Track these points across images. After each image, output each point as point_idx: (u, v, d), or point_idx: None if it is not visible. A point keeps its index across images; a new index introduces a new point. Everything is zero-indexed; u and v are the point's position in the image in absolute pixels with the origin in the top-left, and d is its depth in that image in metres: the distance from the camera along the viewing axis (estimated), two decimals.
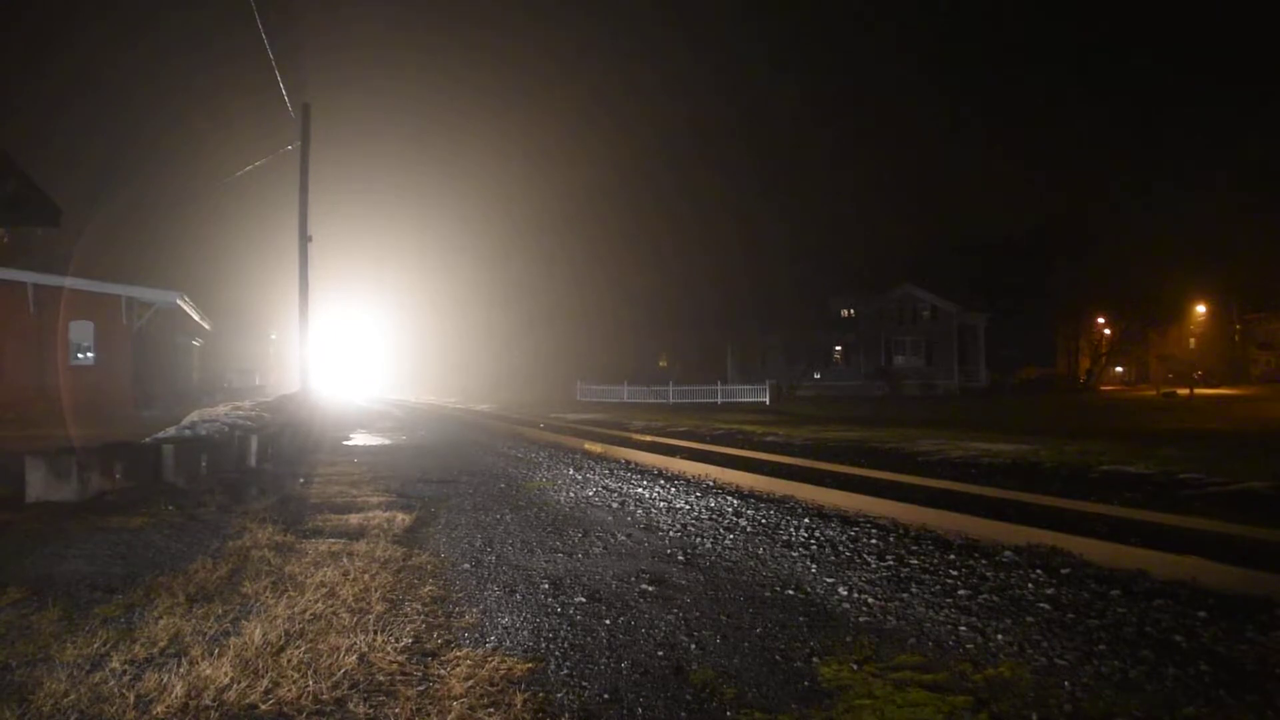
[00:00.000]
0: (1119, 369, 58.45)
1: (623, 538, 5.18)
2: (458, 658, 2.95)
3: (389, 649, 3.02)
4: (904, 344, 47.95)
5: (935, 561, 4.38)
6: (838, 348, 49.25)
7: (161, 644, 3.04)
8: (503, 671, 2.81)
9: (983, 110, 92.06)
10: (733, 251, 47.82)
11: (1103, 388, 49.48)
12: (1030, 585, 3.86)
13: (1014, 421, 17.85)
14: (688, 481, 7.86)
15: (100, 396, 17.58)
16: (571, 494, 7.14)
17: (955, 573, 4.13)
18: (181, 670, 2.76)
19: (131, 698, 2.54)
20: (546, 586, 3.98)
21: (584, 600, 3.73)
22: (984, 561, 4.35)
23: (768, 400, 35.57)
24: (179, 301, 19.44)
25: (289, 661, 2.85)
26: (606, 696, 2.62)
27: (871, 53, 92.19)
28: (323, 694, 2.60)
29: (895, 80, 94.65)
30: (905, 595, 3.74)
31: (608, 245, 51.96)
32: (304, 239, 15.65)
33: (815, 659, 2.94)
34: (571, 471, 8.82)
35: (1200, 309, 60.00)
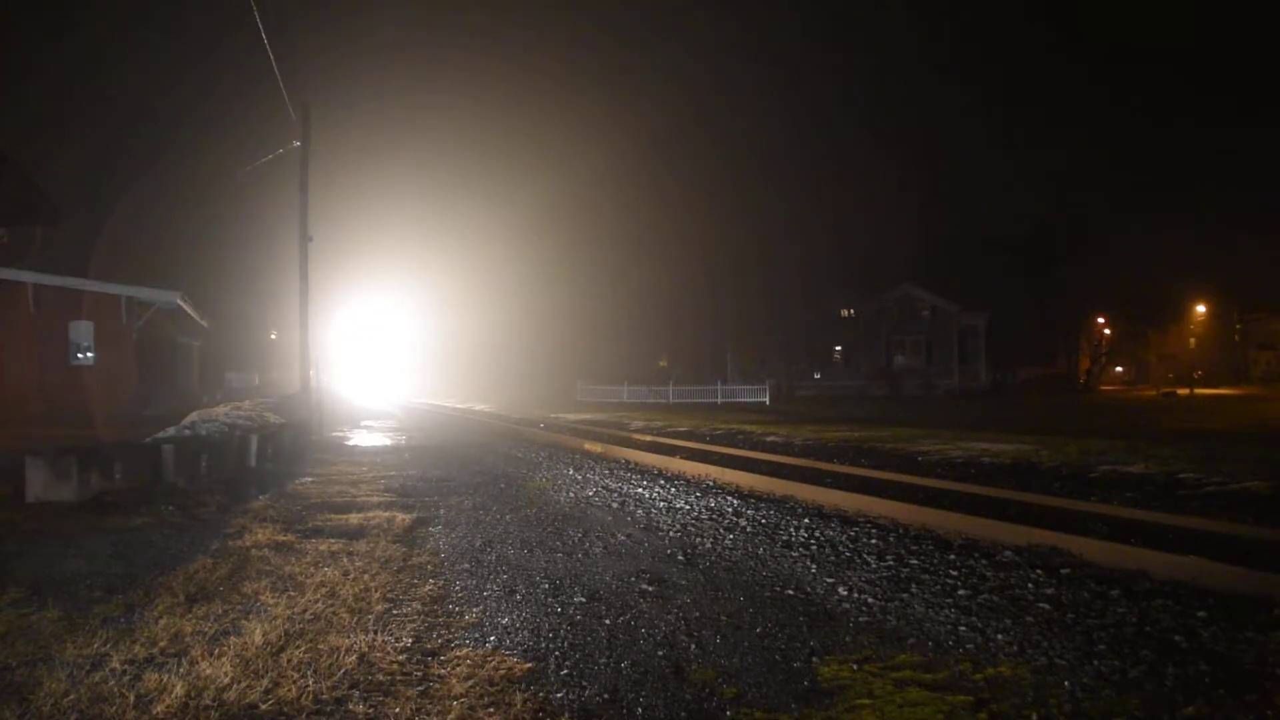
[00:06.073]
0: (1119, 369, 58.41)
1: (623, 538, 5.18)
2: (458, 657, 2.95)
3: (389, 649, 3.02)
4: (904, 344, 47.93)
5: (935, 561, 4.38)
6: (838, 348, 49.22)
7: (162, 644, 3.04)
8: (503, 671, 2.81)
9: (984, 110, 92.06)
10: (733, 251, 47.75)
11: (1103, 387, 49.44)
12: (1030, 585, 3.86)
13: (1014, 421, 17.85)
14: (688, 481, 7.86)
15: (100, 396, 17.57)
16: (571, 494, 7.14)
17: (955, 573, 4.13)
18: (182, 670, 2.76)
19: (131, 697, 2.54)
20: (546, 586, 3.98)
21: (584, 600, 3.73)
22: (984, 561, 4.35)
23: (768, 400, 35.58)
24: (179, 301, 19.41)
25: (289, 661, 2.85)
26: (606, 696, 2.62)
27: (872, 53, 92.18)
28: (323, 694, 2.60)
29: (895, 80, 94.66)
30: (905, 595, 3.74)
31: (608, 245, 51.93)
32: (304, 239, 15.62)
33: (815, 659, 2.94)
34: (571, 471, 8.82)
35: (1200, 309, 59.99)
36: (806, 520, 5.63)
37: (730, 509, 6.14)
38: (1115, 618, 3.35)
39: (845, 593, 3.81)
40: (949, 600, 3.65)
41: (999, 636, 3.14)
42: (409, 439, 14.27)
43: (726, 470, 8.20)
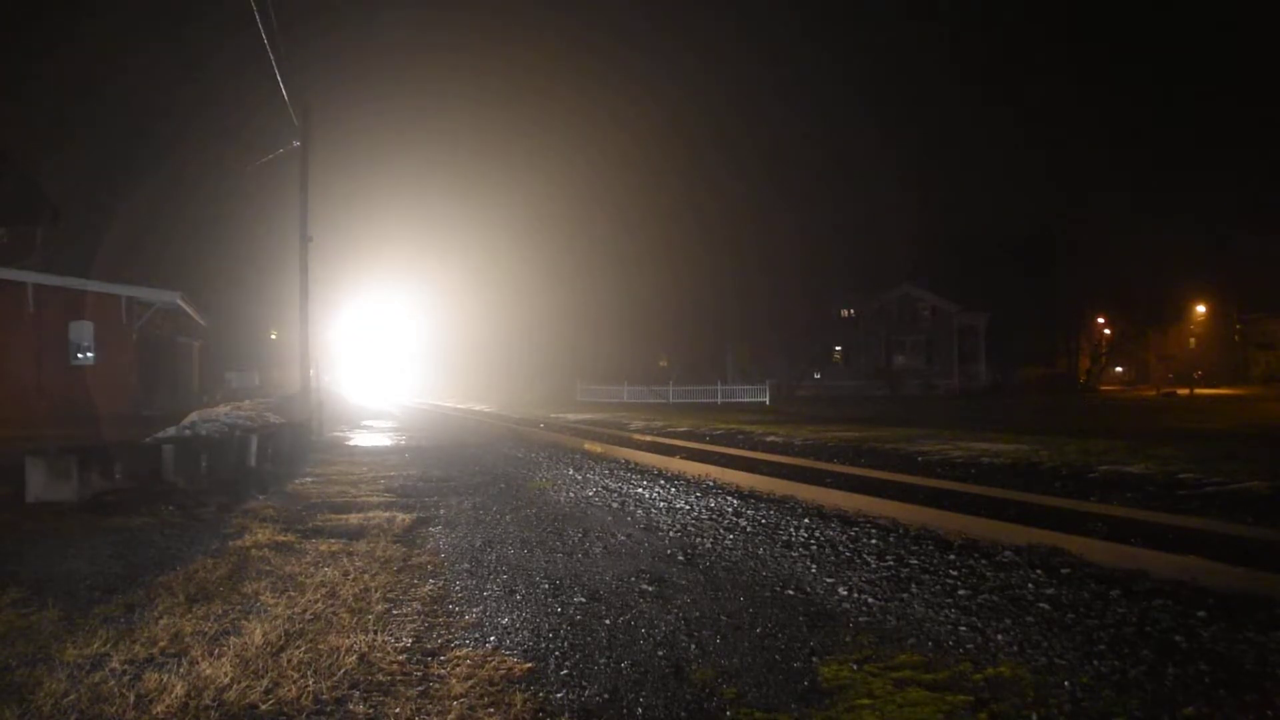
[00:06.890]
0: (1119, 369, 58.37)
1: (623, 538, 5.18)
2: (458, 657, 2.95)
3: (389, 649, 3.02)
4: (904, 344, 47.97)
5: (935, 561, 4.38)
6: (838, 348, 49.27)
7: (162, 644, 3.04)
8: (502, 671, 2.82)
9: (984, 110, 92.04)
10: (733, 252, 47.80)
11: (1103, 388, 49.41)
12: (1030, 585, 3.86)
13: (1014, 421, 17.84)
14: (688, 481, 7.86)
15: (100, 396, 17.56)
16: (571, 494, 7.14)
17: (955, 573, 4.13)
18: (182, 670, 2.76)
19: (131, 697, 2.54)
20: (546, 586, 3.98)
21: (584, 600, 3.73)
22: (984, 561, 4.35)
23: (768, 400, 35.58)
24: (179, 301, 19.41)
25: (289, 661, 2.85)
26: (606, 696, 2.62)
27: (872, 53, 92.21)
28: (323, 694, 2.60)
29: (895, 81, 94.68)
30: (905, 595, 3.74)
31: (609, 245, 51.94)
32: (304, 240, 15.62)
33: (815, 658, 2.94)
34: (571, 471, 8.82)
35: (1200, 309, 59.95)
36: (806, 520, 5.63)
37: (730, 509, 6.14)
38: (1115, 618, 3.35)
39: (845, 593, 3.81)
40: (949, 600, 3.65)
41: (999, 636, 3.14)
42: (409, 439, 14.27)
43: (726, 470, 8.20)
